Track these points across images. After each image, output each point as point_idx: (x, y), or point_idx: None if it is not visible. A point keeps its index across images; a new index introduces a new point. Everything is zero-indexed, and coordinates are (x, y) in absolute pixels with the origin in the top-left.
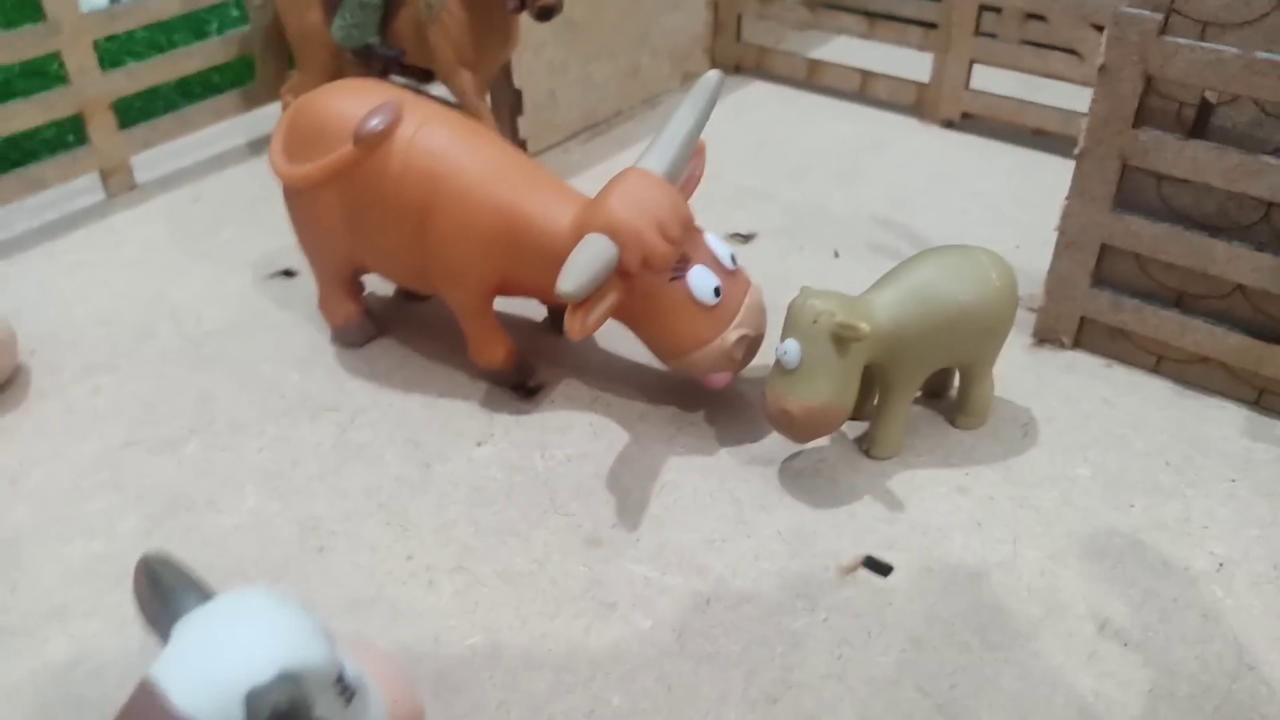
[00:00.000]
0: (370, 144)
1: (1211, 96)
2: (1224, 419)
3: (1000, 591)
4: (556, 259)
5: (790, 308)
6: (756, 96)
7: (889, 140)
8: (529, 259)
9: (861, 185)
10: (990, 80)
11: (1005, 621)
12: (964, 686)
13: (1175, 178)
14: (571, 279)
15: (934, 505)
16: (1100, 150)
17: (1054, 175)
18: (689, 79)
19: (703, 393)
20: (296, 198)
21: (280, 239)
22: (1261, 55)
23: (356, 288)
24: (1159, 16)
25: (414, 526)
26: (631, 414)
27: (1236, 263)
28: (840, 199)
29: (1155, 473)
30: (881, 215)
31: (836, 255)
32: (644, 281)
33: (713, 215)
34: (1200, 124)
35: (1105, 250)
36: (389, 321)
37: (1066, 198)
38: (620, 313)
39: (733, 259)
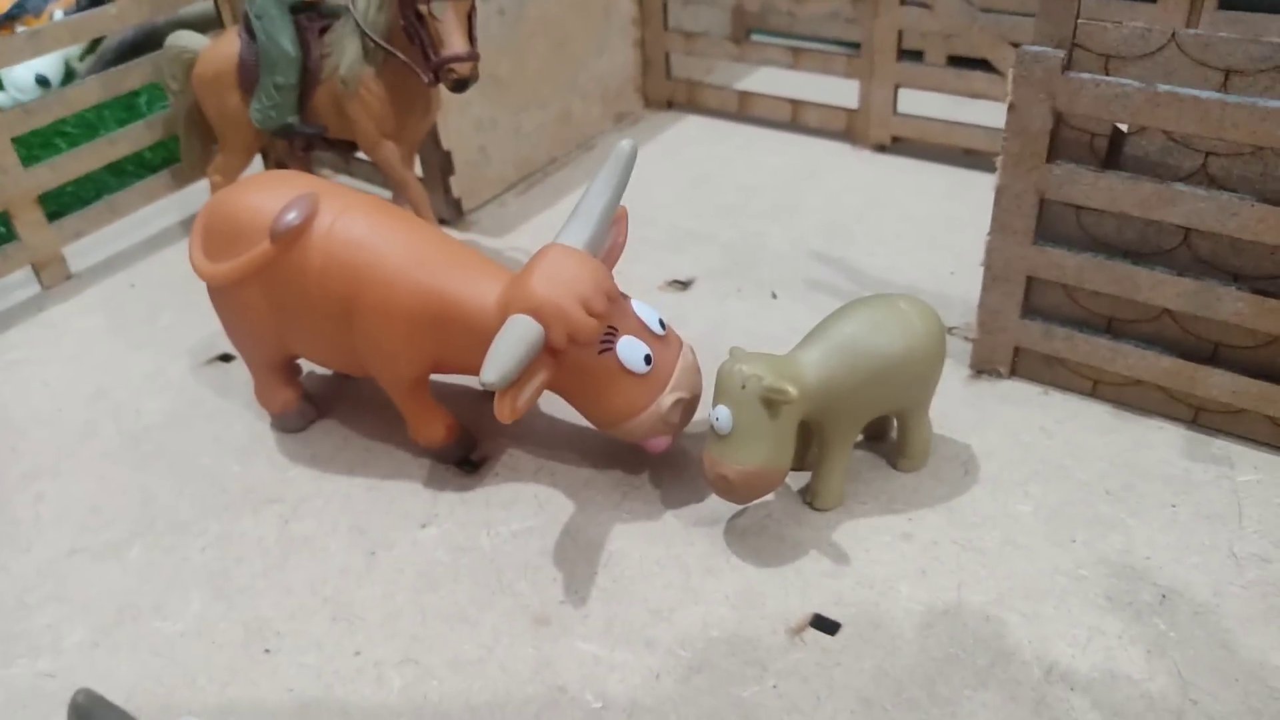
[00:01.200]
0: (287, 239)
1: (1122, 125)
2: (1163, 440)
3: (946, 642)
4: (485, 338)
5: (719, 374)
6: (690, 132)
7: (823, 169)
8: (458, 341)
9: (797, 217)
10: (920, 102)
11: (952, 673)
12: None
13: (1093, 208)
14: (495, 368)
15: (879, 555)
16: (1017, 185)
17: (987, 195)
18: (622, 119)
19: (648, 455)
20: (220, 294)
21: (216, 322)
22: (1163, 88)
23: (292, 372)
24: (1061, 53)
25: (360, 619)
26: (577, 481)
27: (1160, 288)
28: (777, 234)
29: (1096, 503)
30: (818, 249)
31: (774, 296)
32: (573, 356)
33: (650, 260)
34: (1114, 152)
35: (1032, 281)
36: (328, 401)
37: (989, 233)
38: (554, 385)
39: (661, 323)
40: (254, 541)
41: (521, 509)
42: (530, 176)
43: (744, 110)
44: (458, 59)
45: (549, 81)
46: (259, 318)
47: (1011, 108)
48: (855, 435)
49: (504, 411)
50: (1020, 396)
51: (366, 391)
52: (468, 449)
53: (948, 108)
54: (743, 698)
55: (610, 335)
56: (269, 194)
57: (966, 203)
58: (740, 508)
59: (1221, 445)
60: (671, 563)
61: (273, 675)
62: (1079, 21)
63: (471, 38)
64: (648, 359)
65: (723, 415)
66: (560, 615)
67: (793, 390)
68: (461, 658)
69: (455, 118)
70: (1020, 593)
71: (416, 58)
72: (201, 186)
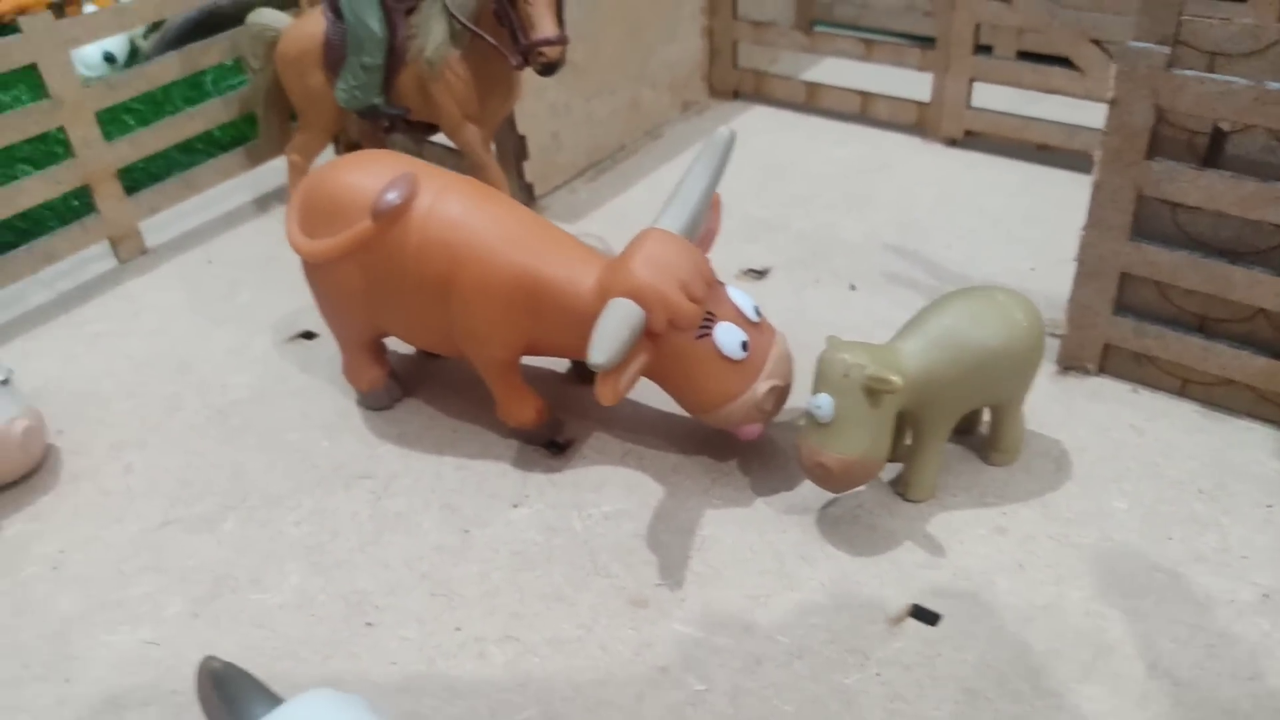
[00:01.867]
0: (389, 218)
1: (1224, 125)
2: (1253, 441)
3: (1048, 635)
4: (581, 321)
5: (820, 362)
6: (757, 123)
7: (893, 161)
8: (553, 322)
9: (870, 209)
10: (991, 96)
11: (1055, 667)
12: None
13: (1190, 205)
14: (603, 349)
15: (974, 548)
16: (1115, 181)
17: (1061, 191)
18: (689, 107)
19: (735, 441)
20: (316, 271)
21: (298, 299)
22: (1271, 85)
23: (381, 351)
24: (1166, 49)
25: (458, 596)
26: (665, 466)
27: (1256, 288)
28: (850, 225)
29: (1189, 502)
30: (893, 241)
31: (853, 288)
32: (671, 341)
33: (726, 250)
34: (1214, 151)
35: (1124, 278)
36: (414, 382)
37: (1083, 228)
38: (649, 371)
39: (757, 310)
40: (348, 516)
41: (611, 492)
42: (600, 163)
43: (811, 101)
44: (548, 42)
45: (621, 68)
46: (354, 294)
47: (1113, 104)
48: (951, 427)
49: (607, 393)
50: (1109, 394)
51: (452, 372)
52: (555, 431)
53: (1017, 103)
54: (846, 685)
55: (709, 321)
56: (368, 173)
57: (1043, 198)
58: (832, 497)
59: None
60: (765, 549)
61: (375, 649)
62: (1183, 18)
63: (560, 21)
64: (744, 345)
65: (824, 403)
66: (657, 598)
67: (897, 379)
68: (561, 636)
69: (531, 102)
70: (1120, 589)
71: (505, 40)
72: (276, 165)
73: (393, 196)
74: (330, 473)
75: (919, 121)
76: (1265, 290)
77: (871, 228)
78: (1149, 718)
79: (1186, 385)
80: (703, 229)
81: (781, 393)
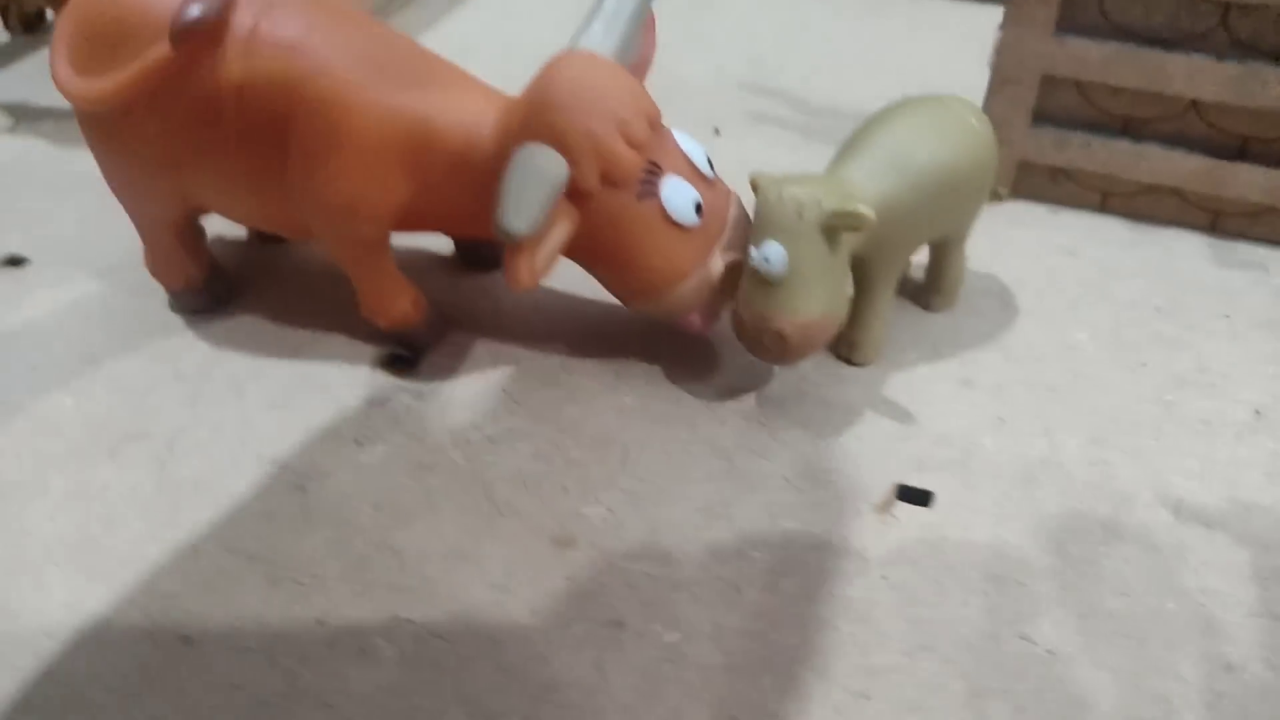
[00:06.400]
0: (194, 40)
1: None
2: (1189, 250)
3: (1058, 495)
4: (475, 179)
5: (763, 204)
6: None
7: None
8: (437, 182)
9: (707, 49)
10: None
11: (1078, 529)
12: (1066, 621)
13: None
14: (517, 211)
15: (946, 407)
16: None
17: (913, 11)
18: None
19: (634, 325)
20: (97, 124)
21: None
22: None
23: (197, 235)
24: None
25: (312, 578)
26: (552, 366)
27: (1196, 77)
28: (691, 66)
29: (1150, 322)
30: (745, 79)
31: (718, 132)
32: (605, 202)
33: None
34: None
35: (1045, 82)
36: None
37: (1000, 27)
38: (573, 245)
39: (709, 162)
40: (123, 495)
41: (490, 408)
42: None
43: None
44: None
45: None
46: (152, 156)
47: None
48: (903, 269)
49: (521, 273)
50: (1029, 219)
51: (297, 261)
52: (438, 332)
53: None
54: (852, 598)
55: (652, 174)
56: None
57: (890, 21)
58: (766, 375)
59: (1246, 249)
60: (704, 449)
61: (203, 674)
62: None
63: None
64: (699, 208)
65: (774, 255)
66: (586, 531)
67: (869, 212)
68: (472, 606)
69: None
70: (1113, 429)
71: None
72: None
73: (197, 10)
74: (85, 439)
75: None
76: (1205, 79)
77: (715, 67)
78: (1193, 569)
79: (1107, 199)
80: (636, 55)
81: (742, 267)
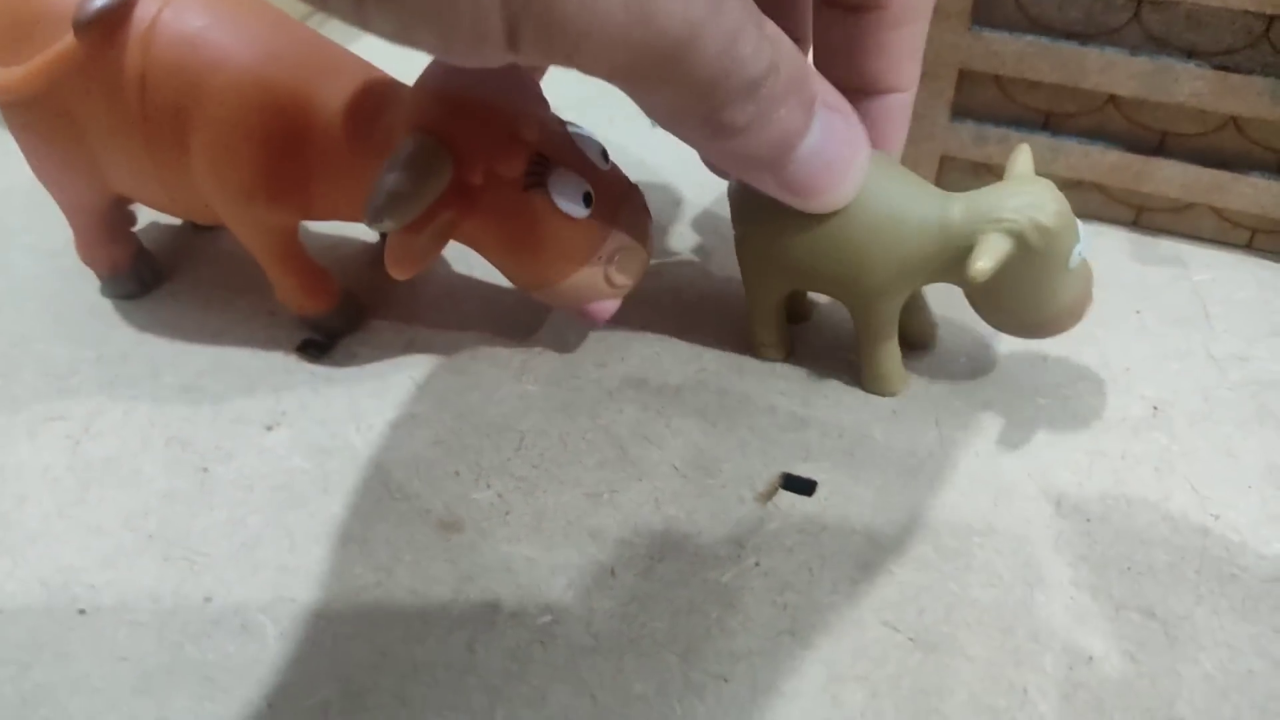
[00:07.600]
0: (96, 30)
1: None
2: (1109, 246)
3: (940, 487)
4: (369, 167)
5: (1059, 200)
6: None
7: None
8: (334, 171)
9: None
10: None
11: (956, 520)
12: (932, 610)
13: None
14: (386, 203)
15: (840, 398)
16: None
17: None
18: None
19: (546, 315)
20: (13, 114)
21: None
22: None
23: (122, 221)
24: None
25: (204, 556)
26: (460, 354)
27: (1111, 71)
28: None
29: None
30: None
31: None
32: (491, 194)
33: None
34: None
35: (962, 77)
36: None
37: None
38: (463, 233)
39: (604, 154)
40: (35, 475)
41: (396, 394)
42: None
43: None
44: None
45: None
46: (70, 146)
47: None
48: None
49: (398, 262)
50: None
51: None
52: (355, 320)
53: None
54: (722, 583)
55: (541, 166)
56: None
57: None
58: (670, 364)
59: (1169, 245)
60: (599, 435)
61: (94, 642)
62: None
63: None
64: (587, 198)
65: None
66: (473, 516)
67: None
68: (353, 586)
69: None
70: (1003, 422)
71: None
72: None
73: (100, 2)
74: (6, 421)
75: None
76: (1122, 73)
77: None
78: (1067, 561)
79: None
80: None
81: (640, 258)
